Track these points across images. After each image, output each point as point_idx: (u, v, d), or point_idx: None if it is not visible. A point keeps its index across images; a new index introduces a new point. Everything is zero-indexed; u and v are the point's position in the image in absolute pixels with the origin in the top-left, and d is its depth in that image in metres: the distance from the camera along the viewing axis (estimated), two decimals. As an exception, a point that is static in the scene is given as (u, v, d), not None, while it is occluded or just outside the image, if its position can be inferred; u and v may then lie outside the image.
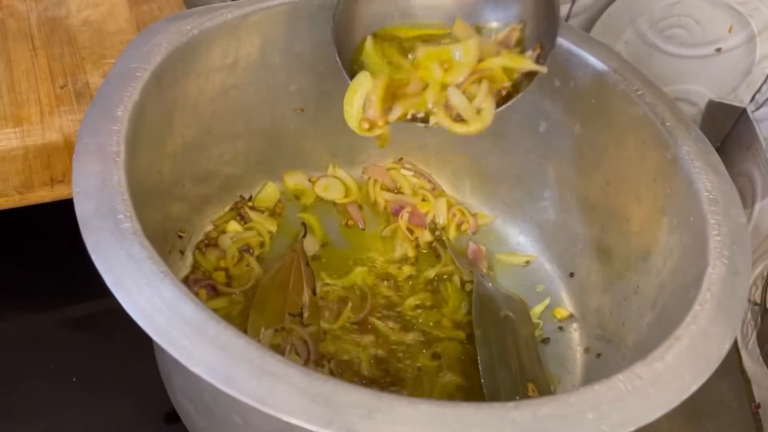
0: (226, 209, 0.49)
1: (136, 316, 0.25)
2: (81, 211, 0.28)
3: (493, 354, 0.42)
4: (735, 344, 0.51)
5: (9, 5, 0.53)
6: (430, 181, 0.54)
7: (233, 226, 0.48)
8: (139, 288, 0.26)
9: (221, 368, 0.24)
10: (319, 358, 0.42)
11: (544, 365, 0.44)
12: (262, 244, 0.48)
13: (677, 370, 0.27)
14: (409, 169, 0.54)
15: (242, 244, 0.47)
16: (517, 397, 0.40)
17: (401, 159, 0.54)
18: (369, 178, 0.53)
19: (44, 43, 0.50)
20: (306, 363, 0.41)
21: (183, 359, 0.24)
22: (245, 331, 0.42)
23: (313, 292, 0.45)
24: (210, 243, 0.47)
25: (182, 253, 0.46)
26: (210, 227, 0.48)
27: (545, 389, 0.42)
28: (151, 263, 0.27)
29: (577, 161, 0.46)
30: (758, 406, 0.47)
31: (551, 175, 0.48)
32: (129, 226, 0.28)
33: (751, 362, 0.49)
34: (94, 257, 0.27)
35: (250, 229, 0.48)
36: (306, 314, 0.44)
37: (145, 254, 0.27)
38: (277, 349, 0.42)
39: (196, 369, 0.24)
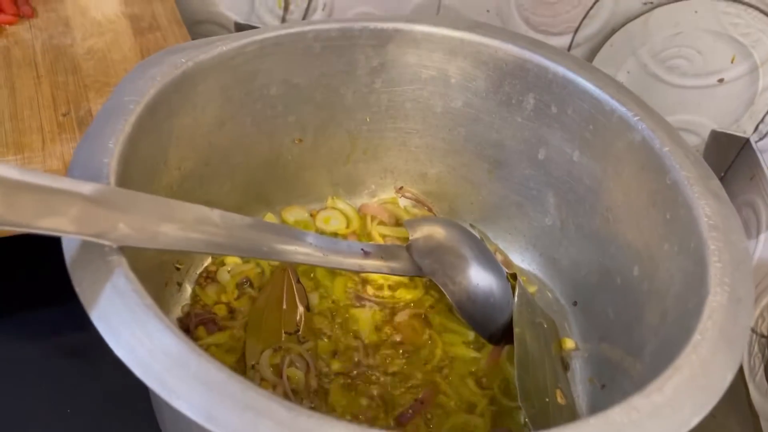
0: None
1: (118, 350, 0.25)
2: (67, 243, 0.28)
3: (528, 353, 0.42)
4: (742, 378, 0.49)
5: (14, 33, 0.54)
6: (430, 210, 0.53)
7: (232, 259, 0.48)
8: (122, 321, 0.26)
9: (203, 404, 0.24)
10: (324, 374, 0.42)
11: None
12: (262, 274, 0.48)
13: (677, 402, 0.26)
14: (409, 198, 0.54)
15: (241, 277, 0.47)
16: (546, 399, 0.41)
17: (401, 188, 0.54)
18: (366, 215, 0.53)
19: (48, 70, 0.51)
20: (307, 376, 0.42)
21: (164, 394, 0.24)
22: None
23: (307, 308, 0.45)
24: (209, 276, 0.47)
25: (180, 285, 0.46)
26: (209, 260, 0.48)
27: (570, 401, 0.42)
28: (136, 296, 0.27)
29: (577, 188, 0.45)
30: (767, 441, 0.45)
31: (552, 203, 0.48)
32: (115, 258, 0.28)
33: (759, 396, 0.47)
34: (78, 290, 0.26)
35: (248, 261, 0.48)
36: (301, 331, 0.44)
37: (130, 287, 0.27)
38: (277, 368, 0.42)
39: (177, 404, 0.24)
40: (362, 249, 0.45)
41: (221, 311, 0.45)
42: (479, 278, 0.47)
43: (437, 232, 0.49)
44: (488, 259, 0.47)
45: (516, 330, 0.43)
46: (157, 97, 0.37)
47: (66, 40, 0.54)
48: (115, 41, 0.54)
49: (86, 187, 0.27)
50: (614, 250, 0.43)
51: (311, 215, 0.52)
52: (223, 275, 0.47)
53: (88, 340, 0.44)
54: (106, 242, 0.28)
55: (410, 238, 0.48)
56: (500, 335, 0.45)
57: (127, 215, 0.29)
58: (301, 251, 0.40)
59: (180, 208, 0.32)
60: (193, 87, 0.40)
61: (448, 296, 0.46)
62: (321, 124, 0.49)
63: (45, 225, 0.26)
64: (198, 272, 0.47)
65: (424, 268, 0.47)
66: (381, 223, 0.52)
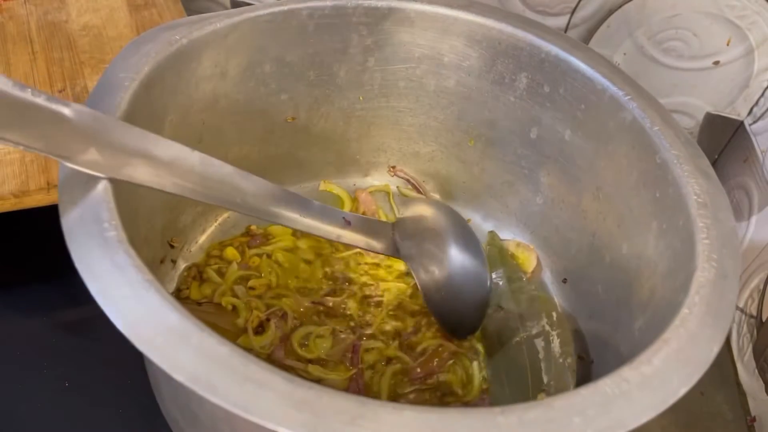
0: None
1: (120, 324, 0.25)
2: (66, 219, 0.28)
3: (505, 390, 0.42)
4: (731, 357, 0.50)
5: (9, 9, 0.54)
6: (420, 190, 0.54)
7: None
8: (123, 296, 0.26)
9: (204, 376, 0.24)
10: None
11: (565, 373, 0.43)
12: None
13: (665, 373, 0.27)
14: (401, 177, 0.54)
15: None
16: None
17: (394, 167, 0.54)
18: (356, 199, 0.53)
19: (43, 47, 0.51)
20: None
21: (166, 367, 0.24)
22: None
23: None
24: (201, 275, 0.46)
25: (174, 262, 0.46)
26: (203, 237, 0.48)
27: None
28: (136, 271, 0.27)
29: (568, 167, 0.46)
30: (753, 420, 0.47)
31: (543, 182, 0.48)
32: (114, 234, 0.28)
33: (746, 375, 0.48)
34: (78, 266, 0.27)
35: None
36: None
37: (130, 262, 0.27)
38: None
39: (179, 377, 0.24)
40: (344, 218, 0.42)
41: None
42: (454, 273, 0.46)
43: (428, 216, 0.48)
44: (472, 256, 0.46)
45: (488, 372, 0.43)
46: (151, 74, 0.37)
47: (61, 16, 0.54)
48: (111, 17, 0.54)
49: (67, 109, 0.27)
50: (604, 228, 0.44)
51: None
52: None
53: (83, 315, 0.45)
54: (72, 165, 0.28)
55: (398, 215, 0.48)
56: (464, 333, 0.44)
57: (101, 142, 0.29)
58: (275, 210, 0.38)
59: (160, 144, 0.31)
60: (188, 64, 0.40)
61: (417, 282, 0.45)
62: (314, 103, 0.49)
63: (10, 137, 0.26)
64: (189, 264, 0.47)
65: (402, 250, 0.45)
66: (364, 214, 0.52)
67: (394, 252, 0.45)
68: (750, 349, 0.48)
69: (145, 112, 0.37)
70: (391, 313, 0.45)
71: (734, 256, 0.33)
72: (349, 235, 0.43)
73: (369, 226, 0.45)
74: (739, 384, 0.49)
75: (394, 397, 0.41)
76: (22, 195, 0.42)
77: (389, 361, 0.42)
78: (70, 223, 0.28)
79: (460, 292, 0.45)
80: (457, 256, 0.46)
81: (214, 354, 0.25)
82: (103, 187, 0.30)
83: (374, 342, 0.43)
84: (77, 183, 0.30)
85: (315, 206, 0.41)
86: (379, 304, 0.45)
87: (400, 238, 0.46)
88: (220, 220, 0.50)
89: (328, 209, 0.42)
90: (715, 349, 0.29)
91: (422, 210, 0.48)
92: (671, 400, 0.27)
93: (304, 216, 0.40)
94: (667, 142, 0.38)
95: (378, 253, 0.45)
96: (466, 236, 0.47)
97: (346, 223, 0.43)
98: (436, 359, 0.42)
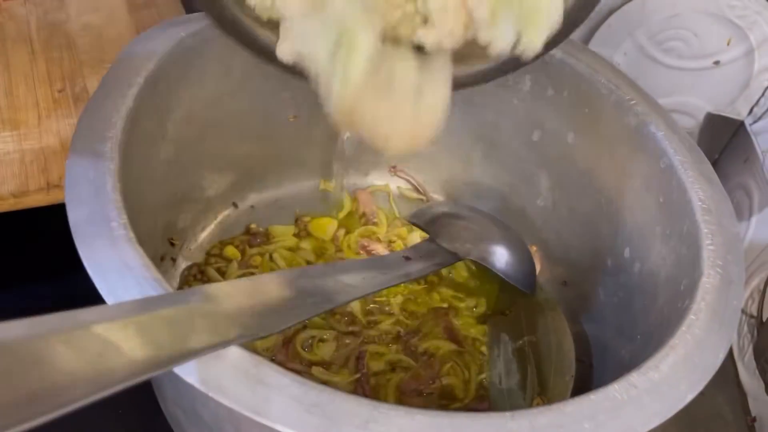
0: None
1: (129, 325, 0.25)
2: (74, 218, 0.28)
3: (504, 393, 0.42)
4: (731, 357, 0.51)
5: (8, 8, 0.53)
6: (420, 190, 0.54)
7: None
8: (132, 295, 0.26)
9: (215, 378, 0.24)
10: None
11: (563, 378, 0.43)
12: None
13: (673, 379, 0.27)
14: (402, 177, 0.54)
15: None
16: None
17: (395, 166, 0.54)
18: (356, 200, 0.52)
19: (43, 47, 0.50)
20: None
21: (177, 369, 0.24)
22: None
23: None
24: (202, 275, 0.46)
25: (174, 260, 0.46)
26: (204, 234, 0.48)
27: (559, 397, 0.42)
28: (145, 270, 0.27)
29: (571, 170, 0.46)
30: (754, 420, 0.47)
31: (545, 184, 0.48)
32: (123, 233, 0.28)
33: (747, 375, 0.48)
34: (86, 264, 0.26)
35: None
36: None
37: (139, 262, 0.27)
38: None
39: (189, 379, 0.24)
40: (403, 256, 0.42)
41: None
42: (505, 238, 0.47)
43: (444, 215, 0.49)
44: (497, 221, 0.49)
45: (492, 372, 0.43)
46: (156, 72, 0.37)
47: (61, 15, 0.53)
48: (110, 18, 0.54)
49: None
50: (605, 232, 0.44)
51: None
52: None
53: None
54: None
55: (410, 219, 0.48)
56: (534, 283, 0.47)
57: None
58: (350, 290, 0.35)
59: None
60: (191, 61, 0.40)
61: (493, 269, 0.46)
62: (316, 102, 0.49)
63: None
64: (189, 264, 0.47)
65: (459, 251, 0.46)
66: (364, 219, 0.51)
67: (455, 257, 0.45)
68: (750, 349, 0.49)
69: (150, 109, 0.37)
70: (394, 314, 0.45)
71: (739, 262, 0.33)
72: (415, 268, 0.42)
73: (421, 250, 0.45)
74: (739, 384, 0.49)
75: (399, 402, 0.41)
76: (22, 195, 0.42)
77: (393, 368, 0.42)
78: (77, 221, 0.28)
79: (517, 253, 0.47)
80: (496, 227, 0.48)
81: (225, 355, 0.25)
82: (110, 186, 0.29)
83: (378, 346, 0.43)
84: (84, 181, 0.30)
85: (383, 260, 0.42)
86: (382, 305, 0.45)
87: (447, 244, 0.46)
88: (220, 218, 0.49)
89: (391, 257, 0.43)
90: (721, 355, 0.29)
91: (435, 214, 0.48)
92: (679, 406, 0.27)
93: (375, 276, 0.39)
94: (672, 148, 0.38)
95: (446, 266, 0.46)
96: (481, 211, 0.50)
97: (407, 260, 0.42)
98: (439, 361, 0.42)
